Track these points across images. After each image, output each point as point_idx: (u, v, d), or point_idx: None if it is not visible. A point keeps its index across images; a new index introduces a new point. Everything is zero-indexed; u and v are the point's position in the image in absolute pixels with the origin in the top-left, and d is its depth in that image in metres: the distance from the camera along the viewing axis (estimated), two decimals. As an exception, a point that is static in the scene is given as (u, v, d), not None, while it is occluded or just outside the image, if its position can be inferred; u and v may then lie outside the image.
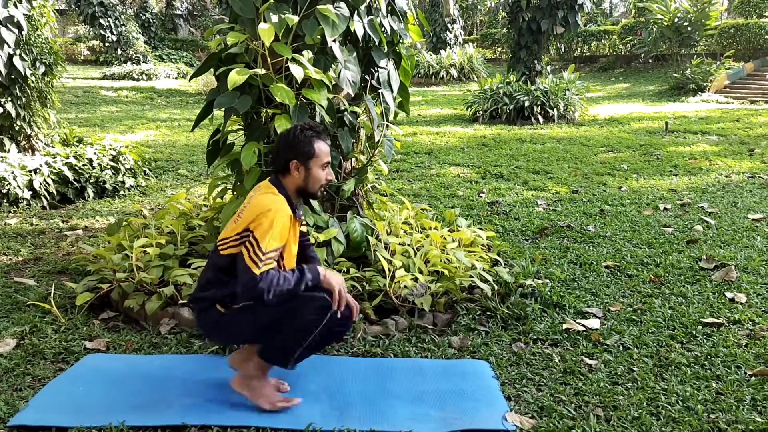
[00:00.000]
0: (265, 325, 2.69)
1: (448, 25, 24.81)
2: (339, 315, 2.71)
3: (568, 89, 12.69)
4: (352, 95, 4.05)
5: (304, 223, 3.06)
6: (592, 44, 26.29)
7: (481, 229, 4.84)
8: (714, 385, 2.99)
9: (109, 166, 6.94)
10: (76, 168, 6.61)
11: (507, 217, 5.93)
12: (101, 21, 22.93)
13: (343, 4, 3.79)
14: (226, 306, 2.73)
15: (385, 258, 3.80)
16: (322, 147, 2.80)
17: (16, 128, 6.64)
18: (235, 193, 4.21)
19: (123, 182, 6.99)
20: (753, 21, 21.26)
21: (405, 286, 3.69)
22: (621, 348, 3.38)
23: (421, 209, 5.10)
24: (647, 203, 6.33)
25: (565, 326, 3.59)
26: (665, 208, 6.13)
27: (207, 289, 2.76)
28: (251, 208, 2.68)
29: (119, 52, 23.50)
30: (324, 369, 3.16)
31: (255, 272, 2.54)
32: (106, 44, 23.73)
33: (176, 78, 22.01)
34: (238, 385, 2.82)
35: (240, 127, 4.20)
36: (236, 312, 2.71)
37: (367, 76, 4.17)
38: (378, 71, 4.21)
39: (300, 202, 2.90)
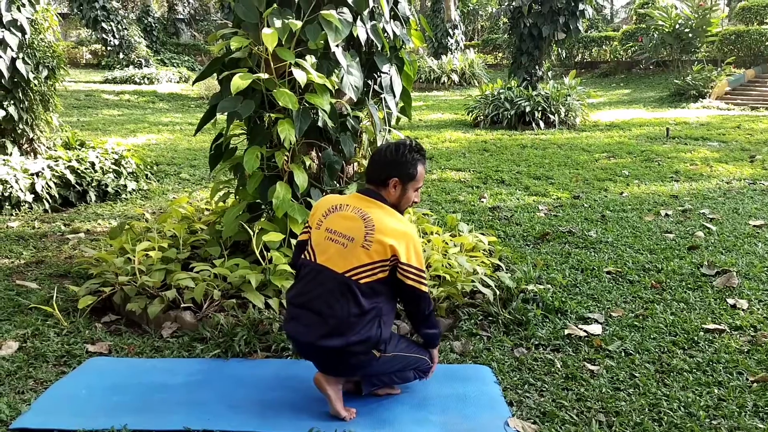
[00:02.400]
0: (390, 371, 2.81)
1: (450, 30, 24.85)
2: None
3: (569, 95, 12.70)
4: (355, 100, 4.06)
5: None
6: (593, 50, 26.36)
7: (482, 234, 4.85)
8: (716, 391, 2.99)
9: (111, 170, 6.95)
10: (78, 171, 6.62)
11: (508, 222, 5.94)
12: (103, 25, 22.99)
13: (346, 10, 3.80)
14: (381, 351, 2.71)
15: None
16: (421, 171, 2.81)
17: (19, 131, 6.66)
18: (237, 197, 4.22)
19: (125, 186, 7.00)
20: (754, 28, 21.29)
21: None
22: (623, 354, 3.38)
23: (423, 214, 5.11)
24: (648, 209, 6.34)
25: (566, 332, 3.60)
26: (666, 214, 6.13)
27: (357, 328, 2.61)
28: (388, 234, 2.63)
29: (121, 56, 23.56)
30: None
31: (424, 290, 2.71)
32: (109, 48, 23.80)
33: (178, 82, 22.06)
34: (325, 383, 2.77)
35: (243, 131, 4.21)
36: (389, 357, 2.74)
37: (369, 81, 4.18)
38: (380, 76, 4.23)
39: None
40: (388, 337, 2.72)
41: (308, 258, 2.75)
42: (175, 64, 25.72)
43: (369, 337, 2.63)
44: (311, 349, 2.69)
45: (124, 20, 23.97)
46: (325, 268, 2.66)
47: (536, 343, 3.50)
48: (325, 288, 2.65)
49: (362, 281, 2.62)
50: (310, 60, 3.71)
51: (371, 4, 3.94)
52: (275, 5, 3.70)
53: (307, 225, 2.90)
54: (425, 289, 2.71)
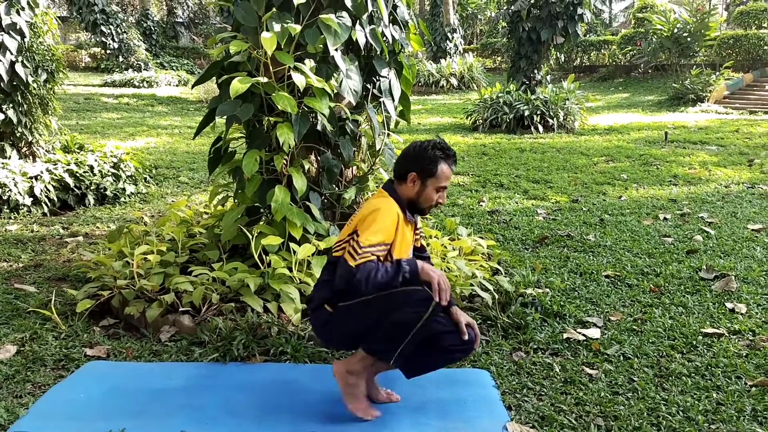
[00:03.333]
0: (369, 323, 2.63)
1: (449, 34, 24.90)
2: (442, 306, 2.62)
3: (567, 99, 12.73)
4: (354, 104, 4.06)
5: (420, 234, 3.07)
6: (592, 54, 26.40)
7: (481, 237, 4.85)
8: (714, 395, 2.99)
9: (109, 173, 6.95)
10: (77, 175, 6.62)
11: (507, 226, 5.94)
12: (103, 28, 22.99)
13: (345, 14, 3.81)
14: (334, 306, 2.71)
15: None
16: (444, 170, 2.77)
17: (18, 135, 6.66)
18: (236, 200, 4.22)
19: (124, 189, 7.00)
20: (752, 32, 21.36)
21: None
22: (621, 358, 3.38)
23: (422, 218, 5.10)
24: (647, 213, 6.34)
25: (565, 335, 3.59)
26: (665, 218, 6.14)
27: (318, 289, 2.80)
28: (361, 210, 2.76)
29: (120, 59, 23.56)
30: (326, 377, 3.16)
31: (351, 264, 2.56)
32: (108, 51, 23.79)
33: (177, 86, 22.06)
34: (338, 375, 2.78)
35: (242, 135, 4.21)
36: (343, 311, 2.68)
37: (368, 85, 4.19)
38: (379, 80, 4.23)
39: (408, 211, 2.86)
40: (331, 295, 2.71)
41: None
42: (174, 68, 25.73)
43: (314, 297, 2.77)
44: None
45: (124, 24, 23.96)
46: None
47: (535, 347, 3.49)
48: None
49: (335, 254, 2.73)
50: (309, 64, 3.72)
51: (370, 8, 3.94)
52: (274, 9, 3.70)
53: None
54: (347, 257, 2.58)
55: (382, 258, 2.63)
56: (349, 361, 2.77)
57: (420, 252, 3.04)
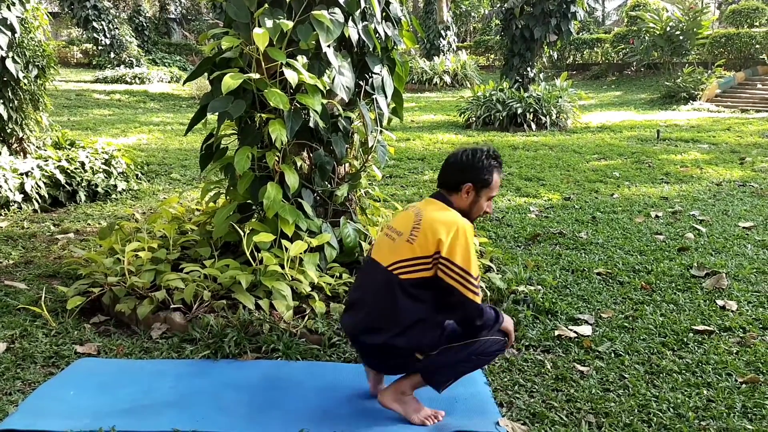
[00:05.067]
0: (452, 363, 2.62)
1: (442, 31, 24.88)
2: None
3: (560, 96, 12.75)
4: (346, 100, 4.05)
5: None
6: (585, 52, 26.45)
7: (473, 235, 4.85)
8: (705, 392, 3.00)
9: (101, 170, 6.91)
10: (68, 171, 6.58)
11: (499, 223, 5.95)
12: (94, 24, 22.87)
13: (337, 10, 3.80)
14: (426, 354, 2.60)
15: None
16: (497, 180, 2.71)
17: (8, 131, 6.61)
18: (228, 197, 4.21)
19: (115, 186, 6.97)
20: (744, 31, 21.44)
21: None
22: (612, 355, 3.39)
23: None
24: (639, 211, 6.36)
25: (557, 333, 3.60)
26: (657, 216, 6.16)
27: (403, 333, 2.54)
28: (431, 226, 2.52)
29: (112, 55, 23.44)
30: (318, 375, 3.16)
31: (477, 301, 2.49)
32: (99, 47, 23.67)
33: (169, 82, 21.99)
34: (390, 401, 2.73)
35: (234, 131, 4.20)
36: (434, 358, 2.60)
37: (361, 82, 4.18)
38: (372, 77, 4.22)
39: None
40: (433, 344, 2.59)
41: (367, 254, 2.76)
42: (166, 64, 25.63)
43: (412, 345, 2.56)
44: (354, 341, 2.70)
45: (116, 20, 23.85)
46: (375, 262, 2.64)
47: (526, 344, 3.50)
48: (373, 281, 2.63)
49: (403, 277, 2.52)
50: (302, 60, 3.71)
51: (363, 4, 3.93)
52: (266, 5, 3.69)
53: None
54: (471, 295, 2.47)
55: None
56: (398, 387, 2.73)
57: None
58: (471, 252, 2.49)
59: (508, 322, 2.68)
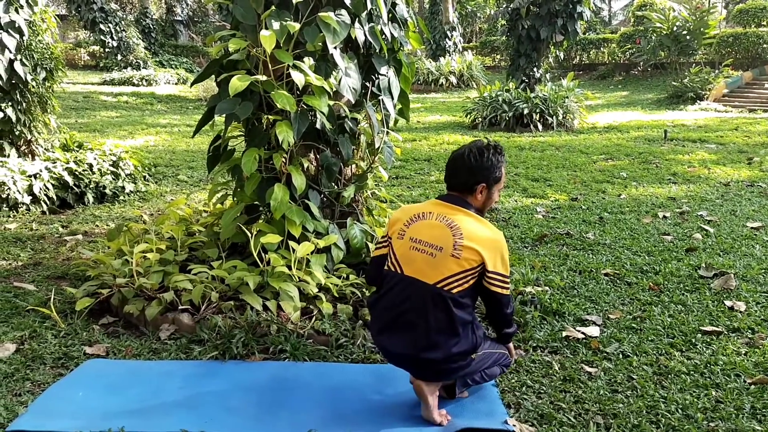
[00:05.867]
0: (483, 368, 2.82)
1: (448, 32, 24.87)
2: None
3: (567, 97, 12.73)
4: (353, 102, 4.06)
5: None
6: (591, 52, 26.41)
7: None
8: (713, 393, 2.99)
9: (108, 172, 6.95)
10: (76, 173, 6.61)
11: (506, 224, 5.94)
12: (101, 26, 22.98)
13: (344, 12, 3.80)
14: (477, 352, 2.74)
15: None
16: (504, 172, 2.81)
17: (17, 133, 6.64)
18: (235, 198, 4.22)
19: (123, 187, 7.00)
20: (751, 30, 21.36)
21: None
22: (620, 356, 3.38)
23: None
24: (646, 211, 6.34)
25: (564, 334, 3.60)
26: (664, 216, 6.14)
27: (459, 340, 2.63)
28: (477, 241, 2.61)
29: (119, 57, 23.56)
30: (325, 375, 3.16)
31: (508, 294, 2.74)
32: (107, 50, 23.79)
33: (176, 84, 22.07)
34: (428, 393, 2.75)
35: (241, 133, 4.21)
36: (480, 357, 2.76)
37: (367, 83, 4.18)
38: (378, 78, 4.23)
39: None
40: (480, 340, 2.73)
41: (393, 269, 2.70)
42: (173, 66, 25.72)
43: (468, 347, 2.66)
44: (408, 360, 2.69)
45: (122, 22, 23.95)
46: (416, 280, 2.62)
47: (534, 345, 3.50)
48: (417, 300, 2.62)
49: (455, 290, 2.59)
50: (308, 62, 3.71)
51: (369, 6, 3.94)
52: (273, 7, 3.70)
53: (384, 238, 2.86)
54: (507, 292, 2.71)
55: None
56: (435, 397, 2.79)
57: None
58: (507, 259, 2.70)
59: (509, 345, 3.00)
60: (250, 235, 3.78)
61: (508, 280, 2.70)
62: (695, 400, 2.93)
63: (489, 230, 2.69)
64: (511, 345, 2.99)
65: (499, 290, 2.67)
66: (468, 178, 2.71)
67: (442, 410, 2.80)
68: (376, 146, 4.26)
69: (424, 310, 2.60)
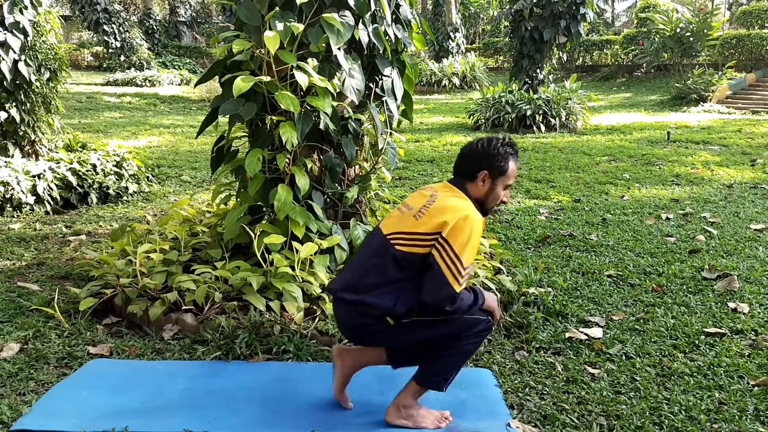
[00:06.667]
0: (428, 340, 2.60)
1: (451, 33, 24.89)
2: None
3: (570, 98, 12.72)
4: (356, 103, 4.06)
5: None
6: (594, 54, 26.40)
7: (483, 237, 4.85)
8: (717, 395, 2.99)
9: (112, 172, 6.96)
10: (80, 173, 6.63)
11: (509, 225, 5.94)
12: (105, 27, 23.03)
13: (348, 13, 3.81)
14: (397, 319, 2.54)
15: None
16: (513, 167, 2.69)
17: (21, 133, 6.67)
18: (238, 199, 4.23)
19: (126, 188, 7.01)
20: (755, 32, 21.32)
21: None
22: (623, 357, 3.38)
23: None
24: (649, 212, 6.34)
25: (567, 335, 3.60)
26: (667, 218, 6.13)
27: (377, 293, 2.52)
28: (442, 208, 2.52)
29: (123, 58, 23.60)
30: (329, 376, 3.16)
31: (456, 290, 2.43)
32: (110, 50, 23.84)
33: (179, 84, 22.10)
34: (395, 418, 2.72)
35: (244, 133, 4.22)
36: (407, 326, 2.55)
37: (371, 84, 4.19)
38: (382, 79, 4.23)
39: None
40: (405, 310, 2.51)
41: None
42: (176, 67, 25.76)
43: (381, 305, 2.50)
44: (334, 299, 2.67)
45: (126, 23, 24.01)
46: (377, 229, 2.68)
47: (537, 346, 3.50)
48: (370, 245, 2.67)
49: (398, 248, 2.52)
50: (312, 63, 3.72)
51: (373, 7, 3.95)
52: (277, 8, 3.70)
53: None
54: (453, 281, 2.41)
55: None
56: (400, 400, 2.73)
57: None
58: (471, 243, 2.46)
59: (490, 300, 2.64)
60: (253, 235, 3.79)
61: (462, 271, 2.42)
62: (698, 401, 2.92)
63: (465, 204, 2.56)
64: (489, 301, 2.63)
65: (444, 268, 2.42)
66: (471, 163, 2.67)
67: (445, 411, 2.80)
68: (380, 147, 4.26)
69: (368, 255, 2.62)
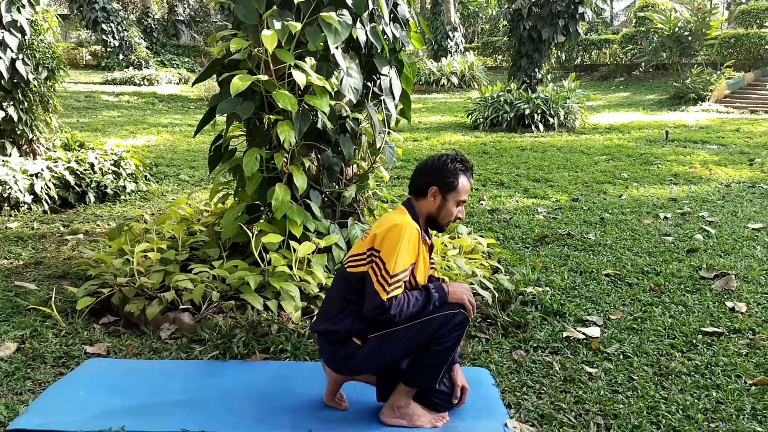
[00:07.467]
0: (405, 352, 2.61)
1: (449, 32, 24.88)
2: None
3: (568, 97, 12.73)
4: (354, 102, 4.06)
5: (432, 264, 2.89)
6: (593, 53, 26.41)
7: (481, 236, 4.85)
8: (714, 394, 2.99)
9: (110, 171, 6.95)
10: (78, 172, 6.62)
11: (507, 224, 5.94)
12: (103, 26, 23.02)
13: (346, 12, 3.81)
14: (362, 338, 2.60)
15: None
16: (464, 183, 2.71)
17: (18, 132, 6.66)
18: (236, 198, 4.23)
19: (124, 187, 7.00)
20: (753, 31, 21.34)
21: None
22: (621, 356, 3.38)
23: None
24: (647, 212, 6.34)
25: (565, 334, 3.59)
26: (665, 217, 6.14)
27: (337, 318, 2.62)
28: (378, 224, 2.64)
29: (121, 57, 23.59)
30: (324, 375, 3.16)
31: (383, 298, 2.46)
32: (108, 49, 23.82)
33: (178, 83, 22.09)
34: (391, 419, 2.72)
35: (242, 133, 4.21)
36: (374, 342, 2.59)
37: (369, 83, 4.19)
38: (380, 78, 4.23)
39: (426, 229, 2.79)
40: (365, 328, 2.59)
41: None
42: (174, 66, 25.76)
43: (339, 328, 2.60)
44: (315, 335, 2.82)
45: (124, 21, 23.98)
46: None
47: (535, 345, 3.50)
48: (336, 276, 2.80)
49: (349, 269, 2.64)
50: (310, 62, 3.72)
51: (371, 6, 3.94)
52: (275, 7, 3.70)
53: None
54: (379, 289, 2.47)
55: (405, 282, 2.55)
56: (393, 401, 2.73)
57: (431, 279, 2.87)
58: (399, 249, 2.49)
59: (456, 292, 2.61)
60: (251, 234, 3.78)
61: (387, 278, 2.46)
62: (696, 400, 2.92)
63: (399, 217, 2.62)
64: (455, 294, 2.61)
65: (372, 275, 2.50)
66: (422, 180, 2.72)
67: (431, 414, 2.79)
68: (378, 146, 4.26)
69: (333, 285, 2.78)
